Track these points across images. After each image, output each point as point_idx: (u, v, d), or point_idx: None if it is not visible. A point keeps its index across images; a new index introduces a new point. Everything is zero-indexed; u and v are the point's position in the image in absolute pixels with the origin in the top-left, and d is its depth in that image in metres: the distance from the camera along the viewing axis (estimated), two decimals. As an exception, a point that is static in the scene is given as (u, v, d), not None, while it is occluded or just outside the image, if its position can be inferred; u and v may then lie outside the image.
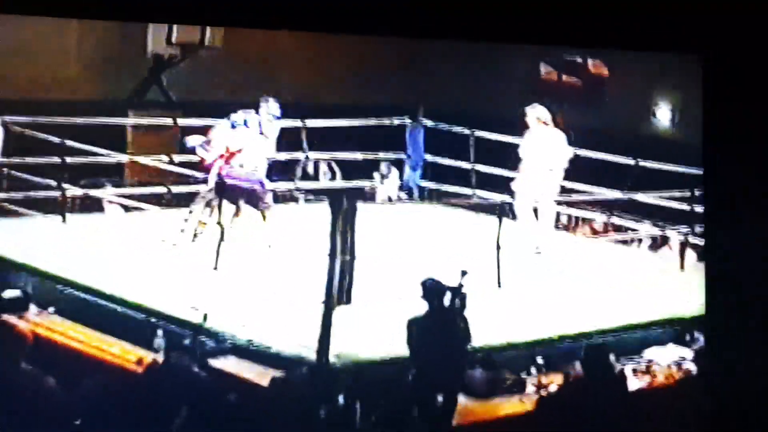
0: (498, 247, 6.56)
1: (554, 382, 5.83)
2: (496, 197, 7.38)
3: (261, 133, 7.46)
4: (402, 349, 5.57)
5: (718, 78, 5.93)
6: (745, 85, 5.92)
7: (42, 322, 6.04)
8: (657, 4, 6.07)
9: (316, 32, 7.24)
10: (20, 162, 7.50)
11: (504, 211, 6.87)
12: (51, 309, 6.25)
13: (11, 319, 5.91)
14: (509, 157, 8.00)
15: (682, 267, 7.51)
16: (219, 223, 6.58)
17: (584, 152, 7.91)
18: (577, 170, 7.92)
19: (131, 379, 5.46)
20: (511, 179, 7.98)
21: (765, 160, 5.95)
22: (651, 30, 6.06)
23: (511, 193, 7.66)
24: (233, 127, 7.44)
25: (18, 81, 7.96)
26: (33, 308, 6.23)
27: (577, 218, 8.34)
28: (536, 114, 7.78)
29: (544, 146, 7.73)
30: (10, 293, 6.24)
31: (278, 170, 8.03)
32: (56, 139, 7.41)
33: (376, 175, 8.57)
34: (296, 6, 6.05)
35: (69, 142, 7.42)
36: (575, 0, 6.11)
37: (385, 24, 6.07)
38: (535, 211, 7.83)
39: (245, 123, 7.45)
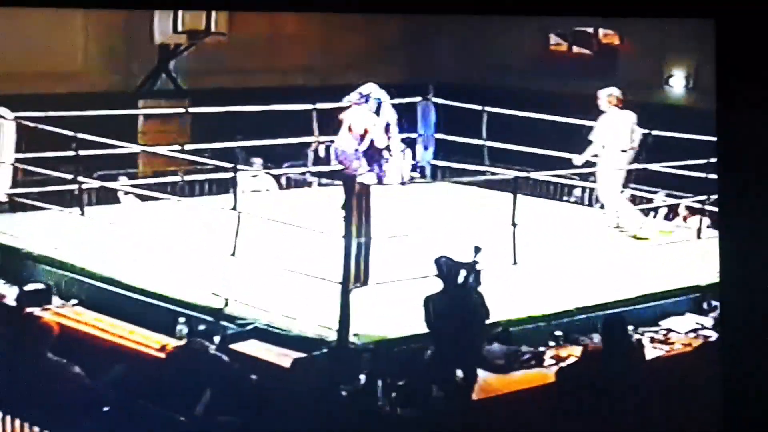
0: (514, 225, 6.56)
1: (572, 354, 5.85)
2: (510, 173, 7.37)
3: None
4: (420, 327, 5.62)
5: (731, 43, 5.87)
6: (759, 50, 5.86)
7: (66, 314, 6.12)
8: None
9: (321, 12, 7.20)
10: (35, 157, 7.55)
11: (518, 187, 6.85)
12: (73, 301, 6.32)
13: (35, 311, 6.00)
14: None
15: (698, 236, 7.51)
16: (234, 208, 6.60)
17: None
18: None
19: (155, 366, 5.53)
20: (526, 155, 7.99)
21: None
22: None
23: (526, 171, 7.64)
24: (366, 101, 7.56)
25: (26, 76, 8.00)
26: (56, 300, 6.30)
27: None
28: (608, 94, 7.63)
29: (619, 127, 7.63)
30: (32, 286, 6.32)
31: (290, 155, 8.06)
32: (69, 133, 7.45)
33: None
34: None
35: (81, 135, 7.46)
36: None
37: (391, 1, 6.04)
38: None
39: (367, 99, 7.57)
